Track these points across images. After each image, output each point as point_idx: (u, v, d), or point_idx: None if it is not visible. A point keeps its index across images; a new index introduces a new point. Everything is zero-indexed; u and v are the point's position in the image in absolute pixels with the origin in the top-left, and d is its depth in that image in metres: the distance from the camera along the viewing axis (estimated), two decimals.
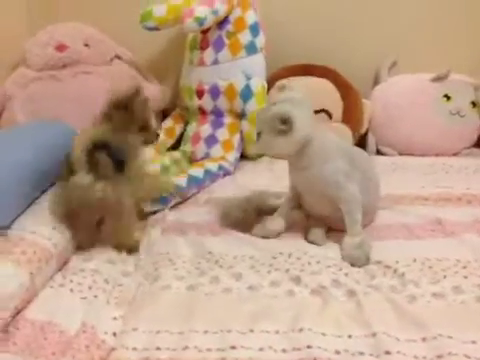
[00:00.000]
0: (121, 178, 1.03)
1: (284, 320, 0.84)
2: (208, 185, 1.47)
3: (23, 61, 1.69)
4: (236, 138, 1.62)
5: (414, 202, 1.31)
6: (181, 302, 0.91)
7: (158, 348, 0.79)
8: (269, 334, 0.80)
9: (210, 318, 0.85)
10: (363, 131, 1.74)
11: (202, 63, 1.62)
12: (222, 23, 1.57)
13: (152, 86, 1.76)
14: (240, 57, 1.58)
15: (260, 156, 1.69)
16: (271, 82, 1.70)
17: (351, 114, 1.67)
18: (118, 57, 1.75)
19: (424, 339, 0.78)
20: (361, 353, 0.75)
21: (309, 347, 0.76)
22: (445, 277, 0.95)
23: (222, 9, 1.51)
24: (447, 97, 1.66)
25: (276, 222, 1.16)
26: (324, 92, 1.66)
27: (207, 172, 1.47)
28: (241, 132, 1.63)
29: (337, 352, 0.76)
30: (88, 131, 1.09)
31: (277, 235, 1.15)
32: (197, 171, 1.45)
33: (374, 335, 0.79)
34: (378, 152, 1.76)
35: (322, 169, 1.07)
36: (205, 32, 1.60)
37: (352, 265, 1.02)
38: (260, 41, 1.60)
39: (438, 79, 1.67)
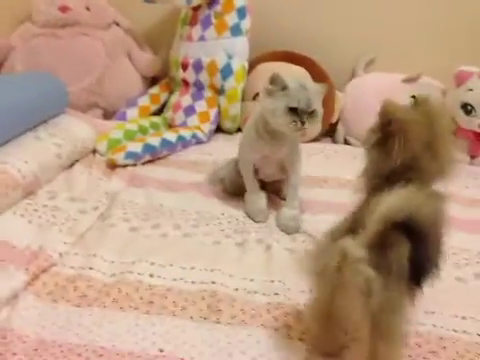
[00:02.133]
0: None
1: (203, 261, 0.99)
2: (180, 150, 1.62)
3: (30, 17, 1.84)
4: (213, 111, 1.75)
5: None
6: (122, 238, 1.06)
7: (91, 268, 0.95)
8: (185, 270, 0.96)
9: (140, 253, 1.00)
10: (333, 121, 1.86)
11: (190, 38, 1.75)
12: (212, 3, 1.70)
13: (145, 54, 1.90)
14: (224, 37, 1.70)
15: (235, 131, 1.83)
16: (253, 64, 1.83)
17: (323, 103, 1.78)
18: (117, 24, 1.88)
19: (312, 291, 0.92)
20: (255, 292, 0.91)
21: (213, 283, 0.92)
22: None
23: None
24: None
25: (262, 198, 1.21)
26: None
27: (180, 138, 1.61)
28: (219, 107, 1.76)
29: (235, 289, 0.91)
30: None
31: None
32: (171, 135, 1.60)
33: (272, 282, 0.94)
34: (346, 142, 1.88)
35: (295, 142, 1.19)
36: (196, 10, 1.73)
37: (284, 232, 1.16)
38: (246, 24, 1.72)
39: (409, 80, 1.77)
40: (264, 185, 1.28)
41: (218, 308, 0.85)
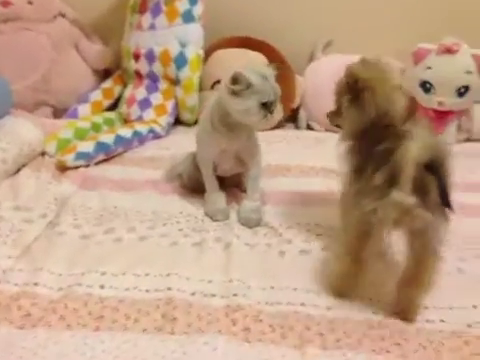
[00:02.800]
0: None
1: (159, 265, 0.94)
2: (136, 146, 1.55)
3: None
4: (170, 103, 1.68)
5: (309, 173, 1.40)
6: (71, 248, 1.00)
7: (36, 284, 0.88)
8: (139, 277, 0.91)
9: (91, 262, 0.94)
10: (295, 106, 1.82)
11: (140, 27, 1.66)
12: None
13: (95, 46, 1.81)
14: (176, 24, 1.63)
15: (194, 123, 1.77)
16: (209, 52, 1.76)
17: (283, 88, 1.73)
18: (62, 15, 1.78)
19: (272, 287, 0.89)
20: (213, 295, 0.86)
21: (169, 289, 0.87)
22: (317, 240, 1.06)
23: None
24: None
25: (223, 199, 1.17)
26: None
27: (136, 133, 1.54)
28: (175, 98, 1.69)
29: (192, 294, 0.87)
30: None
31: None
32: (125, 131, 1.52)
33: (231, 281, 0.90)
34: (308, 127, 1.85)
35: (252, 133, 1.14)
36: None
37: (245, 225, 1.12)
38: (198, 10, 1.65)
39: None
40: (223, 180, 1.23)
41: (173, 317, 0.80)
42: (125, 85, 1.79)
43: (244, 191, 1.24)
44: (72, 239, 1.03)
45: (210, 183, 1.16)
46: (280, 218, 1.15)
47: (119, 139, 1.47)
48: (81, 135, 1.50)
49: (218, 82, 1.73)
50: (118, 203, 1.19)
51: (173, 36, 1.63)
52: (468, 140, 1.72)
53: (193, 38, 1.65)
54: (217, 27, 1.77)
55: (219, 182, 1.19)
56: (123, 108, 1.72)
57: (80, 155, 1.37)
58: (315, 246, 1.03)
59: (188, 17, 1.63)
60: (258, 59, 1.75)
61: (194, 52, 1.64)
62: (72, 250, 0.99)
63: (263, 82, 1.00)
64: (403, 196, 0.73)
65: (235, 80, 0.99)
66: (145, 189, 1.27)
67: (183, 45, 1.63)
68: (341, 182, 0.94)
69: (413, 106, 1.77)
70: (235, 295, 0.85)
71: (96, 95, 1.76)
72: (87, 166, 1.38)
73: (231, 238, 1.04)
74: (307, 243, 1.04)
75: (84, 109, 1.71)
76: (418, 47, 1.66)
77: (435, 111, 1.67)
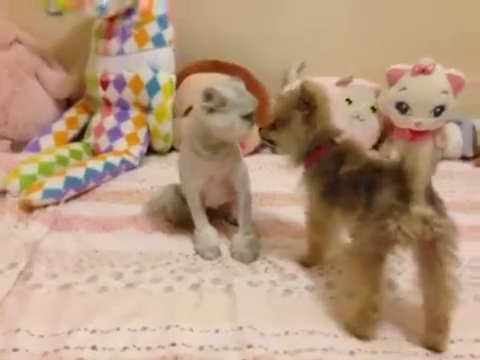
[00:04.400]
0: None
1: (155, 316, 0.83)
2: (109, 179, 1.43)
3: None
4: (142, 132, 1.58)
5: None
6: (51, 302, 0.87)
7: (15, 349, 0.75)
8: (135, 332, 0.79)
9: (76, 318, 0.82)
10: None
11: (107, 53, 1.56)
12: (128, 13, 1.53)
13: (56, 73, 1.68)
14: (147, 49, 1.54)
15: (168, 151, 1.68)
16: (181, 77, 1.69)
17: (259, 113, 1.69)
18: (19, 41, 1.65)
19: (287, 333, 0.81)
20: (225, 347, 0.76)
21: (173, 345, 0.76)
22: (321, 275, 0.99)
23: None
24: (349, 101, 1.74)
25: (215, 236, 1.08)
26: None
27: (107, 165, 1.42)
28: (148, 126, 1.60)
29: (201, 348, 0.76)
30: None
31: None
32: (96, 164, 1.40)
33: (241, 329, 0.80)
34: None
35: (238, 155, 1.08)
36: (111, 21, 1.55)
37: (240, 261, 1.04)
38: (169, 34, 1.58)
39: (341, 83, 1.74)
40: (210, 212, 1.14)
41: None
42: (91, 114, 1.68)
43: (232, 223, 1.17)
44: (49, 292, 0.90)
45: (200, 218, 1.07)
46: (276, 251, 1.07)
47: (90, 173, 1.35)
48: (46, 170, 1.36)
49: (191, 108, 1.66)
50: (98, 245, 1.06)
51: (144, 61, 1.54)
52: (443, 158, 1.74)
53: (165, 63, 1.57)
54: (187, 51, 1.71)
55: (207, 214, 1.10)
56: (90, 138, 1.60)
57: (48, 192, 1.23)
58: (319, 281, 0.96)
59: (159, 41, 1.56)
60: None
61: (167, 77, 1.56)
62: (51, 305, 0.86)
63: (239, 94, 0.96)
64: (423, 208, 0.75)
65: (208, 96, 0.93)
66: (126, 227, 1.15)
67: (155, 70, 1.55)
68: (306, 205, 0.97)
69: (388, 127, 1.78)
70: (250, 346, 0.76)
71: (59, 125, 1.63)
72: (57, 204, 1.25)
73: (231, 278, 0.95)
74: (311, 279, 0.97)
75: (46, 141, 1.57)
76: (392, 68, 1.67)
77: (411, 131, 1.67)
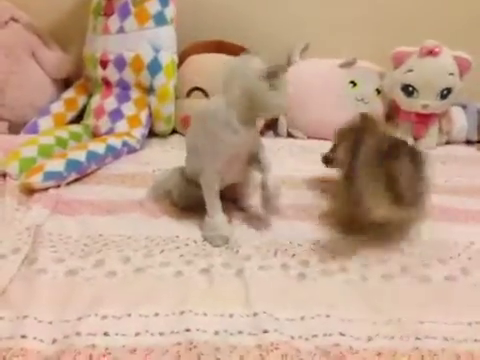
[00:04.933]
0: None
1: (167, 301, 0.81)
2: (110, 161, 1.39)
3: None
4: (144, 113, 1.54)
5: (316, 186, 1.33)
6: (58, 287, 0.84)
7: (23, 336, 0.72)
8: (147, 318, 0.77)
9: (86, 304, 0.79)
10: None
11: (107, 31, 1.51)
12: None
13: (53, 53, 1.63)
14: (147, 27, 1.49)
15: (170, 134, 1.64)
16: (183, 57, 1.64)
17: None
18: (15, 20, 1.58)
19: (303, 318, 0.79)
20: (240, 332, 0.75)
21: (188, 330, 0.74)
22: (333, 257, 0.98)
23: None
24: (353, 83, 1.71)
25: (226, 224, 1.04)
26: None
27: (109, 148, 1.38)
28: (149, 107, 1.55)
29: (216, 333, 0.74)
30: None
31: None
32: (98, 146, 1.36)
33: (255, 314, 0.78)
34: (289, 134, 1.77)
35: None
36: None
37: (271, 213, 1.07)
38: (170, 12, 1.52)
39: (345, 65, 1.71)
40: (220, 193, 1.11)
41: None
42: (90, 95, 1.63)
43: (241, 209, 1.14)
44: (56, 277, 0.87)
45: (214, 204, 1.03)
46: (285, 234, 1.05)
47: (92, 155, 1.31)
48: (46, 153, 1.32)
49: (195, 89, 1.62)
50: (103, 229, 1.03)
51: (145, 40, 1.49)
52: (448, 143, 1.73)
53: (167, 42, 1.52)
54: (189, 31, 1.65)
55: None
56: (90, 120, 1.56)
57: (49, 175, 1.19)
58: (332, 265, 0.94)
59: (160, 19, 1.50)
60: None
61: (169, 57, 1.51)
62: (59, 290, 0.83)
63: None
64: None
65: (274, 74, 0.93)
66: (131, 211, 1.12)
67: (156, 50, 1.49)
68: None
69: (393, 110, 1.76)
70: (265, 332, 0.74)
71: (58, 107, 1.58)
72: (57, 187, 1.21)
73: (241, 262, 0.93)
74: (324, 263, 0.95)
75: (45, 122, 1.52)
76: (397, 50, 1.64)
77: (417, 114, 1.65)
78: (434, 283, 0.91)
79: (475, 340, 0.76)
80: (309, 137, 1.74)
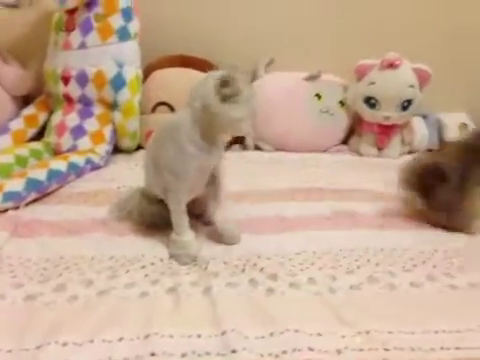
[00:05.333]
0: None
1: (131, 326, 0.78)
2: (73, 180, 1.36)
3: None
4: (108, 130, 1.52)
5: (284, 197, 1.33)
6: (16, 314, 0.80)
7: None
8: (111, 343, 0.73)
9: (45, 331, 0.75)
10: None
11: (68, 46, 1.48)
12: (90, 4, 1.46)
13: (11, 69, 1.58)
14: (110, 42, 1.47)
15: (135, 150, 1.61)
16: (147, 72, 1.63)
17: None
18: None
19: (272, 334, 0.78)
20: (208, 353, 0.72)
21: (153, 355, 0.71)
22: (301, 270, 0.97)
23: None
24: (318, 96, 1.74)
25: (192, 240, 1.01)
26: None
27: (71, 165, 1.35)
28: (113, 123, 1.53)
29: (183, 355, 0.72)
30: None
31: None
32: (60, 164, 1.32)
33: (223, 333, 0.77)
34: (256, 147, 1.78)
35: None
36: (72, 13, 1.47)
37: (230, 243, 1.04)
38: (134, 27, 1.51)
39: (310, 79, 1.74)
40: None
41: None
42: (51, 111, 1.59)
43: (206, 223, 1.12)
44: (15, 303, 0.83)
45: (181, 222, 1.00)
46: (254, 248, 1.04)
47: (53, 174, 1.27)
48: (5, 172, 1.27)
49: (160, 104, 1.60)
50: (64, 251, 1.00)
51: (108, 55, 1.47)
52: (410, 152, 1.77)
53: (130, 57, 1.51)
54: (153, 45, 1.65)
55: None
56: (51, 137, 1.51)
57: (8, 195, 1.15)
58: (302, 278, 0.93)
59: (124, 34, 1.49)
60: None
61: (133, 72, 1.50)
62: (17, 317, 0.79)
63: (251, 91, 0.92)
64: None
65: (225, 83, 0.87)
66: (94, 231, 1.09)
67: (120, 65, 1.48)
68: None
69: (356, 121, 1.79)
70: (234, 351, 0.72)
71: (17, 124, 1.53)
72: (16, 208, 1.16)
73: (209, 280, 0.91)
74: (293, 276, 0.94)
75: (4, 140, 1.47)
76: (359, 63, 1.68)
77: (379, 126, 1.69)
78: (400, 291, 0.91)
79: (441, 348, 0.77)
80: (277, 149, 1.75)
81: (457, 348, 0.76)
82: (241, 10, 1.78)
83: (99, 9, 1.46)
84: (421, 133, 1.75)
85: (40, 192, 1.23)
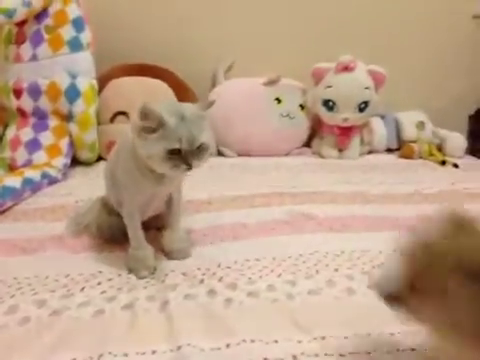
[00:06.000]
0: None
1: (84, 346, 0.76)
2: (29, 195, 1.32)
3: None
4: (64, 142, 1.49)
5: (245, 203, 1.34)
6: None
7: None
8: None
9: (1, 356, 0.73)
10: None
11: (19, 59, 1.45)
12: (40, 16, 1.43)
13: None
14: (62, 53, 1.45)
15: (94, 161, 1.59)
16: (103, 81, 1.61)
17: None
18: None
19: (228, 345, 0.78)
20: None
21: None
22: (261, 277, 0.98)
23: (37, 1, 1.36)
24: (278, 100, 1.75)
25: (151, 255, 1.00)
26: (158, 94, 1.61)
27: (26, 181, 1.32)
28: (70, 135, 1.50)
29: None
30: None
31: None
32: (13, 180, 1.29)
33: (179, 348, 0.76)
34: (219, 153, 1.78)
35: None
36: (21, 25, 1.43)
37: (177, 259, 1.02)
38: (86, 37, 1.49)
39: (269, 83, 1.75)
40: (143, 223, 1.08)
41: None
42: (5, 126, 1.54)
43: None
44: None
45: (138, 237, 0.99)
46: (214, 258, 1.04)
47: (7, 191, 1.24)
48: None
49: (119, 113, 1.58)
50: (18, 271, 0.97)
51: (60, 67, 1.44)
52: (370, 152, 1.81)
53: (84, 67, 1.49)
54: (108, 55, 1.63)
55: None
56: (6, 152, 1.47)
57: None
58: (261, 285, 0.94)
59: (75, 45, 1.47)
60: (159, 87, 1.64)
61: (87, 83, 1.48)
62: None
63: (178, 124, 0.82)
64: None
65: (144, 115, 0.81)
66: (50, 248, 1.06)
67: (73, 76, 1.45)
68: None
69: (317, 124, 1.81)
70: None
71: None
72: None
73: (166, 294, 0.90)
74: (252, 285, 0.94)
75: None
76: (316, 67, 1.70)
77: (339, 128, 1.72)
78: (359, 295, 0.92)
79: (397, 349, 0.78)
80: (239, 154, 1.76)
81: (412, 349, 0.77)
82: (199, 17, 1.78)
83: (49, 21, 1.44)
84: (380, 133, 1.79)
85: None
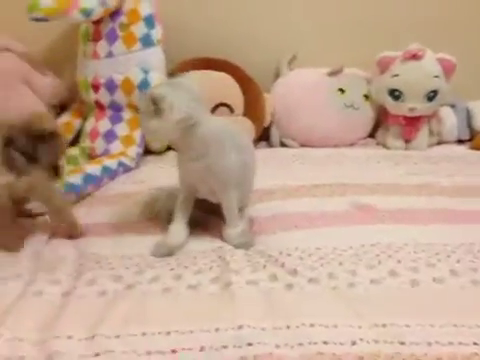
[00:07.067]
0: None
1: (155, 321, 0.83)
2: (106, 183, 1.43)
3: None
4: (137, 133, 1.59)
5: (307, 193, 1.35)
6: (52, 307, 0.87)
7: (21, 357, 0.75)
8: (136, 337, 0.79)
9: (79, 324, 0.82)
10: (266, 124, 1.77)
11: (96, 56, 1.56)
12: (114, 14, 1.53)
13: (46, 79, 1.68)
14: (135, 50, 1.54)
15: (165, 151, 1.68)
16: (172, 76, 1.68)
17: (252, 108, 1.70)
18: (8, 49, 1.64)
19: (288, 327, 0.81)
20: (224, 347, 0.76)
21: (174, 351, 0.75)
22: (322, 265, 0.99)
23: (112, 0, 1.46)
24: (341, 90, 1.74)
25: (175, 234, 1.08)
26: (224, 86, 1.66)
27: (105, 169, 1.43)
28: None
29: (202, 349, 0.76)
30: None
31: (180, 248, 1.07)
32: (94, 169, 1.40)
33: (240, 327, 0.80)
34: (282, 144, 1.80)
35: (216, 164, 1.03)
36: (97, 24, 1.54)
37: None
38: (157, 33, 1.57)
39: (333, 73, 1.74)
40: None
41: None
42: (85, 118, 1.68)
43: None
44: (52, 298, 0.89)
45: (178, 212, 1.09)
46: (277, 245, 1.07)
47: (89, 178, 1.35)
48: None
49: None
50: (98, 249, 1.06)
51: (133, 62, 1.54)
52: (439, 143, 1.74)
53: (155, 63, 1.57)
54: (177, 50, 1.70)
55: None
56: (86, 143, 1.61)
57: None
58: (321, 272, 0.96)
59: (147, 41, 1.55)
60: (223, 80, 1.69)
61: (158, 78, 1.56)
62: (52, 311, 0.86)
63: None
64: None
65: (156, 101, 0.92)
66: (125, 231, 1.15)
67: (145, 71, 1.54)
68: None
69: (382, 114, 1.77)
70: (250, 344, 0.76)
71: None
72: None
73: (230, 276, 0.95)
74: (312, 271, 0.97)
75: None
76: (382, 56, 1.66)
77: (406, 118, 1.67)
78: (422, 287, 0.91)
79: (460, 343, 0.77)
80: (302, 145, 1.77)
81: (475, 343, 0.76)
82: (261, 9, 1.80)
83: (123, 19, 1.53)
84: (450, 123, 1.71)
85: (77, 196, 1.31)
